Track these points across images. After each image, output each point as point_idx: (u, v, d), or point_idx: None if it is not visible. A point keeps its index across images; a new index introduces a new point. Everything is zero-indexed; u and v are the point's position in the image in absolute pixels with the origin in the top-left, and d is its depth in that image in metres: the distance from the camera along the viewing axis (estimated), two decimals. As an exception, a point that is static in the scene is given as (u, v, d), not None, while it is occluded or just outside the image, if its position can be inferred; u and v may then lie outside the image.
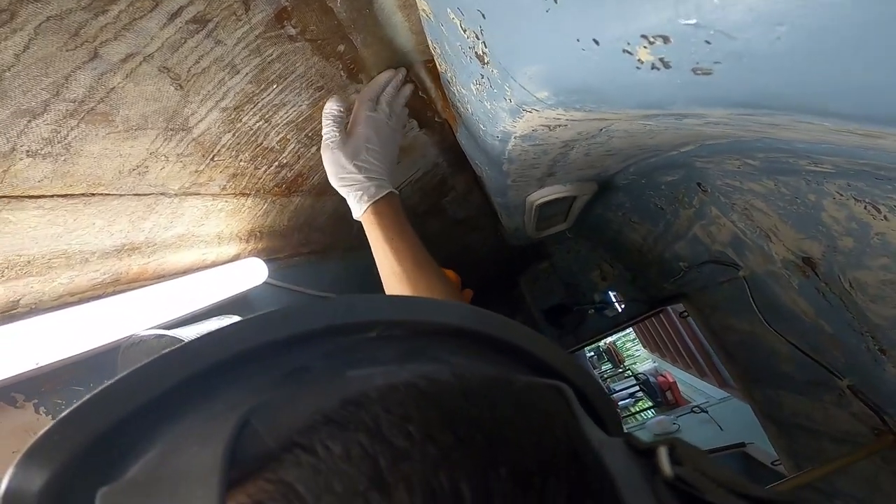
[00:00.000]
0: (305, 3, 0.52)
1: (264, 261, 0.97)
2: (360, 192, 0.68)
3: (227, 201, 0.77)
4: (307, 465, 0.16)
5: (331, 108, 0.69)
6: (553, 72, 0.33)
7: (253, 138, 0.70)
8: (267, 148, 0.75)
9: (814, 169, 0.71)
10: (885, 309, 0.87)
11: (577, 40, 0.26)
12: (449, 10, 0.44)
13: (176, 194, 0.65)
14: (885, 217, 0.69)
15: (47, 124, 0.42)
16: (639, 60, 0.24)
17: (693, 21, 0.18)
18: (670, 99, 0.28)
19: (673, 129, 0.61)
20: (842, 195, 0.73)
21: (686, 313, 1.94)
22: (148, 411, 0.20)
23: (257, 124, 0.68)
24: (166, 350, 0.21)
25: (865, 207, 0.71)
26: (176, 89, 0.50)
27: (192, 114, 0.55)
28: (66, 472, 0.19)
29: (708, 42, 0.19)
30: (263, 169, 0.79)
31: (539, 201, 1.41)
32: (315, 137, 0.84)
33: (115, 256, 0.63)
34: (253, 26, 0.50)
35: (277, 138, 0.75)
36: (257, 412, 0.19)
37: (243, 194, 0.80)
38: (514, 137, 0.68)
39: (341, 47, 0.65)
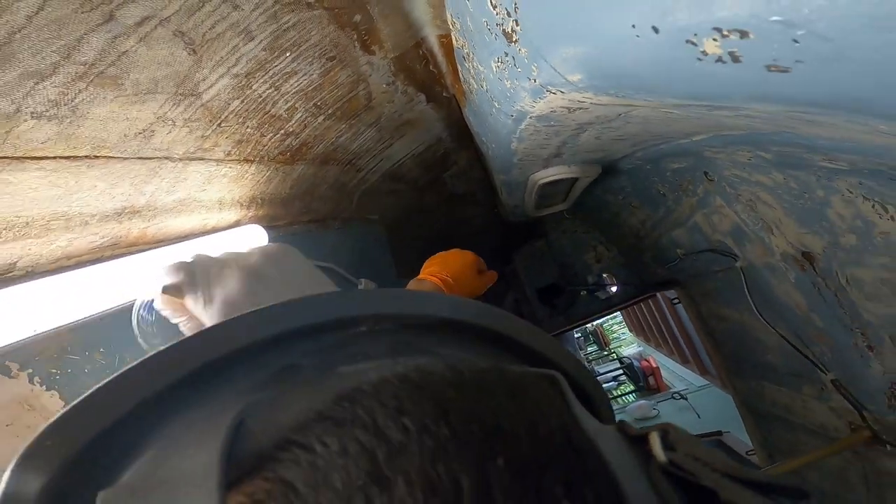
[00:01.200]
0: (327, -35, 0.49)
1: (264, 228, 0.95)
2: None
3: (230, 167, 0.75)
4: (305, 463, 0.16)
5: None
6: (593, 55, 0.31)
7: (261, 106, 0.67)
8: (274, 116, 0.72)
9: (828, 165, 0.70)
10: (879, 307, 0.88)
11: (633, 26, 0.24)
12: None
13: (180, 159, 0.62)
14: (893, 217, 0.70)
15: (55, 87, 0.40)
16: (703, 52, 0.23)
17: (782, 18, 0.17)
18: (727, 93, 0.27)
19: (693, 119, 0.60)
20: (851, 193, 0.73)
21: (677, 300, 1.97)
22: (139, 414, 0.20)
23: (267, 92, 0.65)
24: (151, 353, 0.21)
25: (874, 206, 0.71)
26: (189, 54, 0.47)
27: (203, 79, 0.52)
28: (62, 476, 0.19)
29: (795, 41, 0.18)
30: (269, 136, 0.77)
31: (542, 181, 1.39)
32: (323, 107, 0.81)
33: (114, 220, 0.61)
34: (271, -12, 0.47)
35: (286, 107, 0.73)
36: (250, 412, 0.19)
37: (247, 161, 0.78)
38: (530, 117, 0.67)
39: (358, 17, 0.62)
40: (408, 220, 1.98)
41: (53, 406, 0.61)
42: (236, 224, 0.88)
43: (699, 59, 0.23)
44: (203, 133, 0.62)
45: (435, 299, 0.26)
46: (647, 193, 1.48)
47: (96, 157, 0.50)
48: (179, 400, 0.21)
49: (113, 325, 0.66)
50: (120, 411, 0.20)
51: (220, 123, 0.63)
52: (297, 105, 0.75)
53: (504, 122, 0.76)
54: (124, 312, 0.66)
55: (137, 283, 0.68)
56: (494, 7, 0.41)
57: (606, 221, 2.28)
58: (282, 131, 0.79)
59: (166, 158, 0.60)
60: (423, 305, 0.26)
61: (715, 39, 0.21)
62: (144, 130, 0.53)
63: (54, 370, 0.63)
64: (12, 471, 0.18)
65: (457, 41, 0.70)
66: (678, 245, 1.57)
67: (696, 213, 1.26)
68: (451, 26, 0.66)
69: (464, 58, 0.74)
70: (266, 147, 0.79)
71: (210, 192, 0.75)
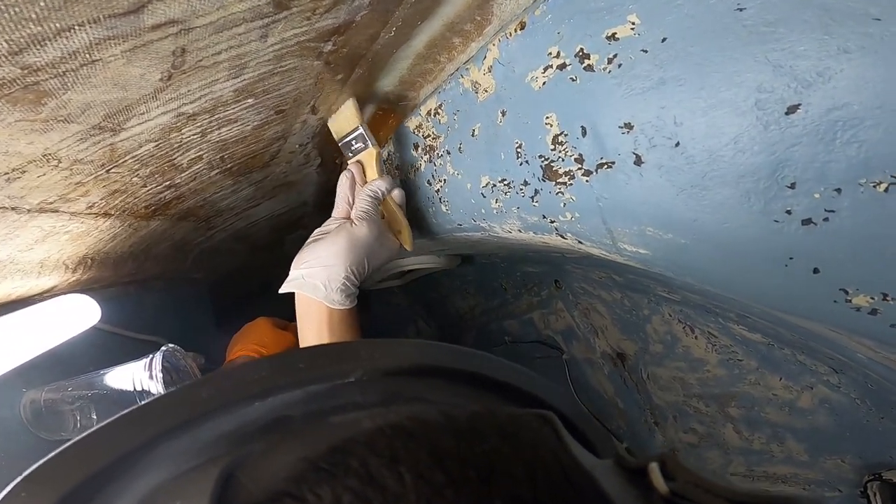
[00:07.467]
0: (369, 25, 0.42)
1: (84, 293, 0.67)
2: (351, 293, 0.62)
3: (82, 222, 0.52)
4: None
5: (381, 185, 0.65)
6: (697, 251, 0.34)
7: (172, 153, 0.50)
8: (175, 165, 0.55)
9: (664, 295, 0.93)
10: (668, 395, 1.16)
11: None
12: (555, 117, 0.40)
13: (30, 210, 0.40)
14: (696, 337, 0.95)
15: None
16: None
17: None
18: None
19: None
20: (671, 316, 0.97)
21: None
22: (121, 466, 0.19)
23: (191, 138, 0.49)
24: (133, 407, 0.21)
25: (684, 328, 0.96)
26: (161, 80, 0.32)
27: (144, 113, 0.36)
28: None
29: None
30: (150, 188, 0.57)
31: (405, 267, 1.41)
32: (227, 160, 0.66)
33: None
34: (309, 31, 0.37)
35: (193, 156, 0.56)
36: (241, 464, 0.18)
37: (106, 215, 0.55)
38: (490, 235, 0.68)
39: (340, 76, 0.54)
40: (233, 279, 1.71)
41: None
42: (49, 292, 0.60)
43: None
44: (82, 179, 0.42)
45: (425, 348, 0.27)
46: (489, 285, 1.65)
47: None
48: (164, 452, 0.20)
49: None
50: (100, 464, 0.19)
51: (111, 169, 0.44)
52: (204, 156, 0.59)
53: (438, 222, 0.75)
54: None
55: None
56: (557, 145, 0.41)
57: (433, 300, 2.41)
58: (167, 182, 0.60)
59: (13, 209, 0.38)
60: (415, 354, 0.26)
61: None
62: (14, 171, 0.33)
63: None
64: None
65: (421, 129, 0.67)
66: (507, 333, 1.77)
67: (535, 312, 1.45)
68: (426, 111, 0.63)
69: (416, 145, 0.72)
70: (137, 199, 0.58)
71: (36, 252, 0.50)
